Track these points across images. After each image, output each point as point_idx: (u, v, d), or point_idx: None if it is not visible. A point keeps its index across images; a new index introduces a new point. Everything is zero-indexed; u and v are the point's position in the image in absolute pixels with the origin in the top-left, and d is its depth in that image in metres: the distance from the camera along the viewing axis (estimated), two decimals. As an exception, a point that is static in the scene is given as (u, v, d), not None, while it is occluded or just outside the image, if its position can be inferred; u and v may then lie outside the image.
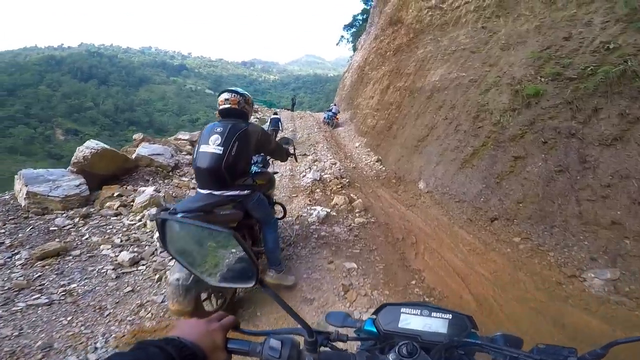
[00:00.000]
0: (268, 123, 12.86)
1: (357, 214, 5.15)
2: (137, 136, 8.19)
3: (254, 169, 3.02)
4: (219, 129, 2.37)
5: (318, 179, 6.78)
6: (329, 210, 5.13)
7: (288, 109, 23.51)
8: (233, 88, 2.56)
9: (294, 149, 3.62)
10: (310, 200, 5.66)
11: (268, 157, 3.50)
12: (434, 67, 8.34)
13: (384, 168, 8.50)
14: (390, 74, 11.47)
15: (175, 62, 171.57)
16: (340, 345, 0.67)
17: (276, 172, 3.96)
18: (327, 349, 0.64)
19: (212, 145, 2.31)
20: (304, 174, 7.51)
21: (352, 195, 6.01)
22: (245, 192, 2.48)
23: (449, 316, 0.69)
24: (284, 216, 3.73)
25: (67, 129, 63.05)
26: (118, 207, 4.43)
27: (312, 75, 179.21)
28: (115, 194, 4.84)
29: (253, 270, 0.59)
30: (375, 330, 0.72)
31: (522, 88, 5.23)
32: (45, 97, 68.74)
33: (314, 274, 3.32)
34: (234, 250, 0.60)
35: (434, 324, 0.68)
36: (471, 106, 6.20)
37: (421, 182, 6.50)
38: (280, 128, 12.67)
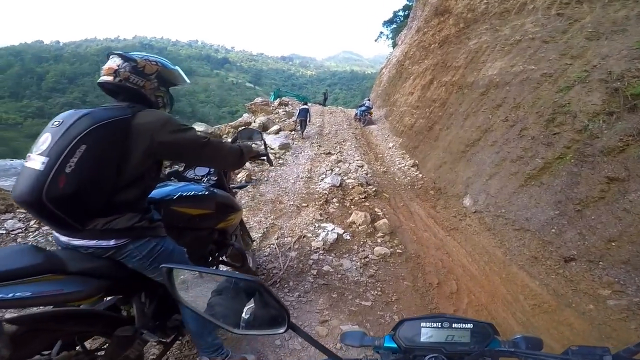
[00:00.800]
0: (296, 114, 12.11)
1: (379, 240, 4.00)
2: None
3: (176, 190, 1.81)
4: (56, 122, 1.27)
5: (338, 184, 5.69)
6: (342, 231, 4.03)
7: (319, 104, 22.84)
8: (119, 52, 1.47)
9: (265, 147, 2.35)
10: (321, 214, 4.56)
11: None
12: (490, 59, 7.31)
13: (420, 175, 7.33)
14: (434, 68, 10.54)
15: (219, 56, 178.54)
16: None
17: (243, 186, 3.07)
18: None
19: (33, 155, 1.23)
20: (324, 176, 6.42)
21: (376, 209, 4.85)
22: (112, 242, 1.36)
23: (470, 325, 0.69)
24: (243, 265, 2.42)
25: None
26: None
27: (349, 72, 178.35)
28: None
29: (283, 316, 0.58)
30: (395, 346, 0.71)
31: (625, 86, 4.10)
32: (93, 87, 74.84)
33: (290, 341, 2.23)
34: (259, 297, 0.59)
35: (457, 335, 0.68)
36: (544, 106, 4.99)
37: (467, 198, 5.24)
38: (309, 119, 11.81)
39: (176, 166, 4.07)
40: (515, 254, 3.84)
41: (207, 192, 1.93)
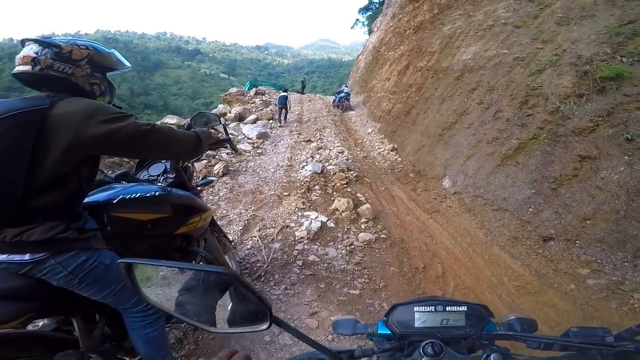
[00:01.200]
0: (276, 102, 12.03)
1: (362, 226, 3.99)
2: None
3: (118, 193, 1.55)
4: None
5: (319, 171, 5.62)
6: (325, 219, 3.97)
7: (298, 92, 22.40)
8: (37, 37, 1.27)
9: (226, 132, 2.14)
10: (304, 203, 4.48)
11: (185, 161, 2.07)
12: (464, 45, 7.37)
13: (400, 159, 7.34)
14: (409, 54, 10.57)
15: (190, 47, 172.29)
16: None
17: (207, 182, 2.75)
18: None
19: None
20: (305, 163, 6.32)
21: (358, 195, 4.84)
22: (26, 257, 1.14)
23: (465, 308, 0.66)
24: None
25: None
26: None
27: (326, 60, 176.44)
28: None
29: (264, 310, 0.51)
30: (389, 332, 0.68)
31: (594, 69, 4.22)
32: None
33: (280, 335, 2.16)
34: (234, 291, 0.55)
35: (451, 318, 0.66)
36: (517, 89, 5.08)
37: (446, 180, 5.30)
38: (289, 107, 11.73)
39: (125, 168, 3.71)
40: (496, 235, 3.90)
41: (159, 193, 1.63)
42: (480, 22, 7.12)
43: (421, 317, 0.66)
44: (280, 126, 10.63)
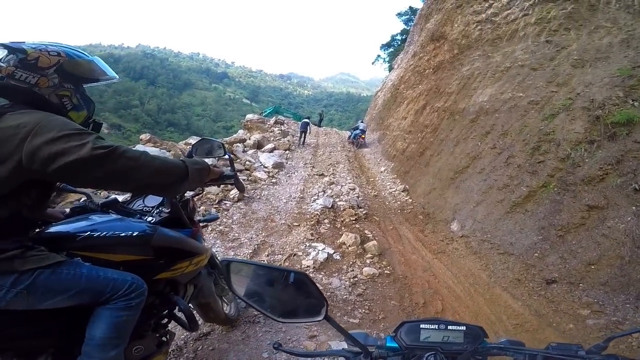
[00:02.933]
0: (299, 126, 14.07)
1: (368, 261, 4.05)
2: (144, 136, 7.63)
3: (85, 228, 1.32)
4: None
5: (330, 206, 5.74)
6: (332, 251, 4.07)
7: (315, 124, 22.84)
8: (5, 42, 1.13)
9: (232, 165, 1.89)
10: (312, 234, 4.60)
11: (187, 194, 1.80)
12: (481, 86, 7.47)
13: (410, 200, 7.38)
14: (428, 93, 10.71)
15: (219, 70, 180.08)
16: None
17: (213, 219, 2.46)
18: None
19: None
20: (316, 197, 6.47)
21: (366, 232, 4.92)
22: None
23: (463, 328, 0.75)
24: (192, 328, 1.66)
25: (112, 123, 67.78)
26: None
27: (345, 94, 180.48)
28: (82, 199, 4.02)
29: (322, 305, 0.64)
30: (397, 345, 0.76)
31: (605, 114, 4.29)
32: (98, 93, 74.14)
33: (278, 354, 2.22)
34: (303, 289, 0.63)
35: (452, 336, 0.74)
36: (530, 134, 5.17)
37: (455, 223, 5.33)
38: (309, 131, 13.43)
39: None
40: (499, 277, 3.92)
41: (138, 234, 1.38)
42: (498, 64, 7.24)
43: (426, 333, 0.74)
44: (302, 146, 12.71)
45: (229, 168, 1.69)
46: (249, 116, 16.41)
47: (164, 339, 1.65)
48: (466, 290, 3.68)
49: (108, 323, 1.22)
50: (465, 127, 7.09)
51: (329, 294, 3.27)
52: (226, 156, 1.85)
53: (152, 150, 6.13)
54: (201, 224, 2.02)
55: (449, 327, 0.74)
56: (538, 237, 4.03)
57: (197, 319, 1.68)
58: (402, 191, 7.95)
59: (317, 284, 0.65)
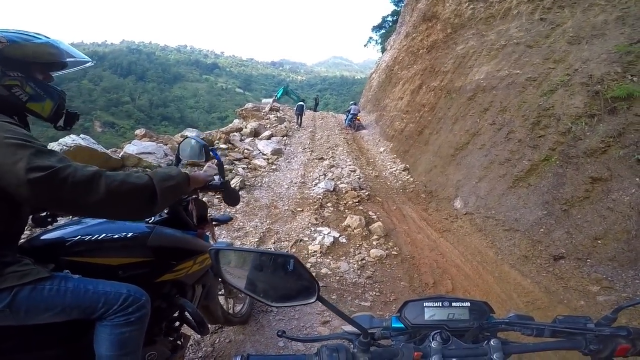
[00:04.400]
0: (294, 109, 15.29)
1: (374, 242, 4.05)
2: (139, 131, 7.56)
3: (76, 232, 1.22)
4: None
5: (332, 189, 5.72)
6: (337, 235, 4.06)
7: (311, 109, 22.69)
8: None
9: (222, 170, 1.63)
10: (317, 218, 4.59)
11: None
12: (477, 64, 7.43)
13: (412, 179, 7.39)
14: (422, 73, 10.64)
15: (208, 61, 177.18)
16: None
17: (226, 221, 2.14)
18: (373, 347, 0.67)
19: None
20: (317, 181, 6.45)
21: (370, 213, 4.92)
22: None
23: (468, 304, 0.73)
24: (202, 331, 1.56)
25: (105, 121, 66.90)
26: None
27: (339, 77, 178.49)
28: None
29: (314, 287, 0.62)
30: (402, 325, 0.75)
31: (605, 89, 4.28)
32: (87, 91, 72.49)
33: (292, 343, 2.25)
34: (293, 271, 0.62)
35: (457, 313, 0.72)
36: (529, 109, 5.16)
37: (458, 201, 5.34)
38: (304, 113, 14.82)
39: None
40: (507, 254, 3.93)
41: (132, 235, 1.30)
42: (493, 42, 7.21)
43: (430, 311, 0.73)
44: (298, 129, 13.35)
45: (218, 177, 1.51)
46: (248, 105, 16.40)
47: (178, 342, 1.59)
48: (475, 269, 3.69)
49: (111, 340, 1.13)
50: (463, 104, 7.06)
51: (337, 277, 3.27)
52: (213, 160, 1.61)
53: (149, 145, 6.06)
54: (214, 223, 1.89)
55: (454, 304, 0.73)
56: (542, 212, 4.04)
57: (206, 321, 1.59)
58: (403, 170, 7.96)
59: (305, 266, 0.63)
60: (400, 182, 7.35)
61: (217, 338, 2.27)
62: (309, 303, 0.63)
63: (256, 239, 3.92)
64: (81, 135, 5.24)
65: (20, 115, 1.11)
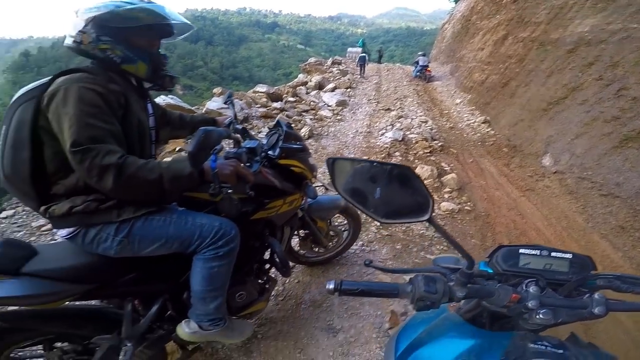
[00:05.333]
0: (357, 60, 15.56)
1: (445, 195, 3.91)
2: (217, 90, 8.00)
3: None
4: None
5: (400, 139, 5.53)
6: (405, 184, 3.99)
7: (375, 62, 21.74)
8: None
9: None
10: (384, 167, 4.54)
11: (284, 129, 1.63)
12: (580, 16, 6.31)
13: (492, 132, 6.83)
14: (508, 23, 9.48)
15: (268, 20, 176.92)
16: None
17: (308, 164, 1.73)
18: (470, 284, 0.64)
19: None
20: (384, 131, 6.30)
21: (443, 164, 4.71)
22: (64, 232, 1.15)
23: (569, 255, 0.68)
24: (285, 272, 1.67)
25: (185, 85, 73.14)
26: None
27: (404, 29, 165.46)
28: (177, 149, 4.50)
29: (428, 204, 0.60)
30: (490, 270, 0.72)
31: None
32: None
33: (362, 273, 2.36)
34: (407, 185, 0.61)
35: (555, 264, 0.68)
36: (648, 66, 4.22)
37: (547, 157, 4.85)
38: (367, 62, 15.27)
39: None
40: (599, 222, 3.52)
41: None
42: None
43: (525, 259, 0.68)
44: (360, 79, 13.42)
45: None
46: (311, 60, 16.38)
47: (266, 285, 1.67)
48: (558, 234, 3.37)
49: (202, 275, 1.24)
50: (560, 57, 6.15)
51: (403, 227, 3.21)
52: (242, 148, 1.44)
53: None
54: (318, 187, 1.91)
55: (553, 254, 0.68)
56: (654, 179, 3.47)
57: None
58: (482, 122, 7.38)
59: (421, 179, 0.60)
60: (478, 134, 6.82)
61: (287, 279, 2.37)
62: (420, 221, 0.60)
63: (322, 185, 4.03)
64: (170, 96, 5.96)
65: (120, 72, 1.23)
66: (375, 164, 0.66)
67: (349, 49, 24.24)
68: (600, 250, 3.14)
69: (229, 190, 1.17)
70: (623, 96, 4.39)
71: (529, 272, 0.67)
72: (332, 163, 0.67)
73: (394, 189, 0.63)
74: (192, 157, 1.04)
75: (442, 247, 3.03)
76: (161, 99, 5.45)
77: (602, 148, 4.17)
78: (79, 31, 1.12)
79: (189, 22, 1.31)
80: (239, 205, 1.22)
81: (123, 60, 1.18)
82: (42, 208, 1.13)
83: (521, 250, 0.69)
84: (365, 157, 3.80)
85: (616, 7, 5.52)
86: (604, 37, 5.34)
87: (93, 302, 1.38)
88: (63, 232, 1.15)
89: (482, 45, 10.96)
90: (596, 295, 0.61)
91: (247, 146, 1.44)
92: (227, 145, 3.16)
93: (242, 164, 1.26)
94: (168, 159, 1.70)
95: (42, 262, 1.10)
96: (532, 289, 0.63)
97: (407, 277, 0.67)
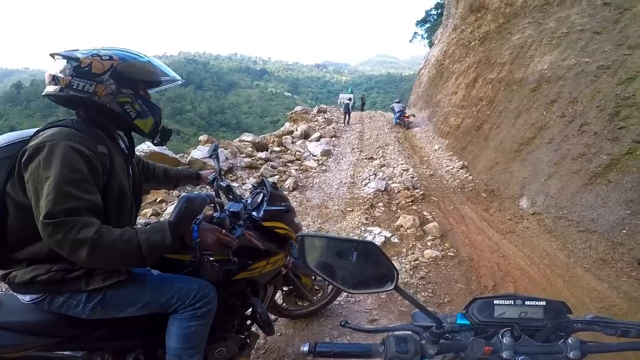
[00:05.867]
0: (342, 107, 16.53)
1: (428, 243, 3.95)
2: (203, 137, 8.19)
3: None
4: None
5: (383, 189, 5.67)
6: (389, 234, 4.03)
7: (358, 109, 22.62)
8: (63, 51, 1.09)
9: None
10: (367, 218, 4.59)
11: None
12: (538, 54, 6.90)
13: (470, 177, 7.03)
14: (477, 66, 10.11)
15: (258, 67, 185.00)
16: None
17: (285, 210, 1.68)
18: (442, 340, 0.66)
19: None
20: (367, 181, 6.44)
21: (425, 213, 4.79)
22: (27, 298, 1.10)
23: (543, 303, 0.69)
24: (267, 330, 1.62)
25: (172, 129, 73.66)
26: (150, 215, 4.00)
27: (385, 75, 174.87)
28: (158, 200, 4.49)
29: (393, 274, 0.63)
30: (467, 322, 0.73)
31: None
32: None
33: (339, 338, 2.28)
34: (372, 258, 0.63)
35: (530, 311, 0.69)
36: (605, 99, 4.67)
37: (524, 200, 4.98)
38: (350, 111, 15.76)
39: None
40: (580, 257, 3.60)
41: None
42: (554, 30, 6.66)
43: (500, 309, 0.70)
44: (345, 128, 13.86)
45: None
46: (298, 108, 17.01)
47: (247, 340, 1.64)
48: (542, 272, 3.41)
49: (178, 333, 1.21)
50: (525, 96, 6.57)
51: None
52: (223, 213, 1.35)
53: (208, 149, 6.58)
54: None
55: (527, 303, 0.69)
56: (626, 212, 3.61)
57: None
58: (461, 168, 7.60)
59: (386, 253, 0.63)
60: (457, 180, 7.01)
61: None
62: (386, 291, 0.63)
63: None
64: (146, 143, 5.92)
65: (126, 130, 1.24)
66: (341, 240, 0.69)
67: (340, 95, 26.26)
68: (586, 284, 3.18)
69: (211, 258, 1.15)
70: (585, 132, 4.67)
71: (505, 322, 0.69)
72: (301, 240, 0.69)
73: (359, 262, 0.65)
74: (174, 226, 1.01)
75: (426, 294, 3.03)
76: (145, 146, 5.40)
77: (573, 186, 4.35)
78: (93, 80, 1.04)
79: (179, 78, 1.32)
80: (220, 271, 1.21)
81: (137, 115, 1.15)
82: (0, 272, 1.06)
83: (495, 302, 0.71)
84: (332, 234, 3.84)
85: (569, 42, 6.08)
86: (562, 74, 5.79)
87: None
88: (26, 297, 1.08)
89: (456, 89, 11.57)
90: (570, 340, 0.63)
91: (231, 210, 1.42)
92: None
93: (225, 230, 1.21)
94: (143, 222, 1.67)
95: (4, 314, 1.06)
96: (506, 339, 0.64)
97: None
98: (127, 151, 1.27)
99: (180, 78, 1.32)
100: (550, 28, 6.83)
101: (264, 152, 7.79)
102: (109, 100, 1.08)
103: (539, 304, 0.69)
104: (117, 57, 1.09)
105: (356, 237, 0.78)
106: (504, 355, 0.62)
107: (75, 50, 1.08)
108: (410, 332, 0.69)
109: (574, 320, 0.68)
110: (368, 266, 0.65)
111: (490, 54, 9.29)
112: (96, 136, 1.09)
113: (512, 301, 0.70)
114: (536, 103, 6.12)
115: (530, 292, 3.10)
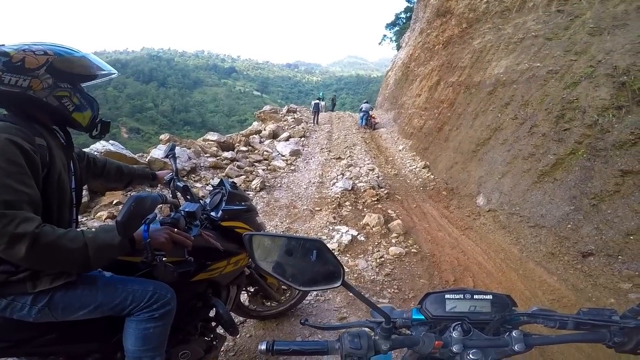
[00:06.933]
0: (312, 107, 16.51)
1: (393, 240, 4.06)
2: (164, 136, 7.80)
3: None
4: None
5: (350, 188, 5.75)
6: (356, 233, 4.10)
7: (328, 110, 22.88)
8: None
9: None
10: (335, 217, 4.64)
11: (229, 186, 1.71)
12: (496, 58, 7.30)
13: (432, 176, 7.32)
14: (440, 69, 10.48)
15: (226, 65, 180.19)
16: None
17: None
18: (394, 335, 0.68)
19: None
20: (335, 180, 6.49)
21: (389, 211, 4.91)
22: None
23: (490, 297, 0.73)
24: (232, 332, 1.61)
25: (131, 127, 69.03)
26: (106, 218, 3.77)
27: (354, 76, 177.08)
28: (115, 202, 4.23)
29: (340, 272, 0.64)
30: (423, 317, 0.75)
31: (632, 80, 4.12)
32: (112, 98, 75.03)
33: (311, 337, 2.30)
34: (320, 256, 0.64)
35: (478, 305, 0.72)
36: (552, 103, 5.01)
37: (480, 197, 5.24)
38: (320, 110, 16.14)
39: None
40: (532, 251, 3.85)
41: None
42: (511, 36, 7.07)
43: (451, 303, 0.72)
44: (314, 128, 13.95)
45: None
46: (266, 107, 16.67)
47: (213, 342, 1.60)
48: (498, 266, 3.62)
49: (136, 336, 1.18)
50: (483, 99, 6.92)
51: (356, 275, 3.30)
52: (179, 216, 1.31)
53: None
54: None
55: (475, 297, 0.72)
56: (570, 208, 3.90)
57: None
58: (423, 168, 7.88)
59: (332, 251, 0.65)
60: (420, 179, 7.27)
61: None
62: (334, 287, 0.64)
63: (277, 238, 4.00)
64: (110, 141, 5.57)
65: (62, 124, 1.20)
66: (289, 238, 0.69)
67: (313, 102, 26.92)
68: (537, 277, 3.39)
69: (164, 258, 1.12)
70: (535, 133, 4.99)
71: (456, 316, 0.71)
72: (249, 239, 0.68)
73: (308, 260, 0.65)
74: (122, 226, 0.96)
75: (392, 290, 3.12)
76: (100, 145, 5.15)
77: (524, 184, 4.64)
78: (27, 75, 1.01)
79: (115, 72, 1.29)
80: (174, 272, 1.17)
81: (75, 108, 1.14)
82: None
83: (447, 296, 0.73)
84: (283, 232, 3.88)
85: (523, 48, 6.45)
86: (515, 78, 6.14)
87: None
88: None
89: (419, 91, 11.92)
90: (514, 333, 0.65)
91: (186, 210, 1.38)
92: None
93: (179, 229, 1.21)
94: (96, 225, 1.57)
95: None
96: (456, 333, 0.66)
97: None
98: (66, 144, 1.23)
99: (115, 71, 1.28)
100: (508, 34, 7.23)
101: (230, 151, 7.61)
102: (45, 94, 1.06)
103: (486, 297, 0.72)
104: (52, 52, 1.07)
105: (301, 235, 0.73)
106: (454, 349, 0.64)
107: (1, 45, 1.04)
108: (365, 329, 0.70)
109: (519, 313, 0.71)
110: (317, 263, 0.65)
111: (452, 58, 9.62)
112: (33, 129, 1.05)
113: (462, 295, 0.73)
114: (492, 106, 6.46)
115: (488, 286, 3.28)
